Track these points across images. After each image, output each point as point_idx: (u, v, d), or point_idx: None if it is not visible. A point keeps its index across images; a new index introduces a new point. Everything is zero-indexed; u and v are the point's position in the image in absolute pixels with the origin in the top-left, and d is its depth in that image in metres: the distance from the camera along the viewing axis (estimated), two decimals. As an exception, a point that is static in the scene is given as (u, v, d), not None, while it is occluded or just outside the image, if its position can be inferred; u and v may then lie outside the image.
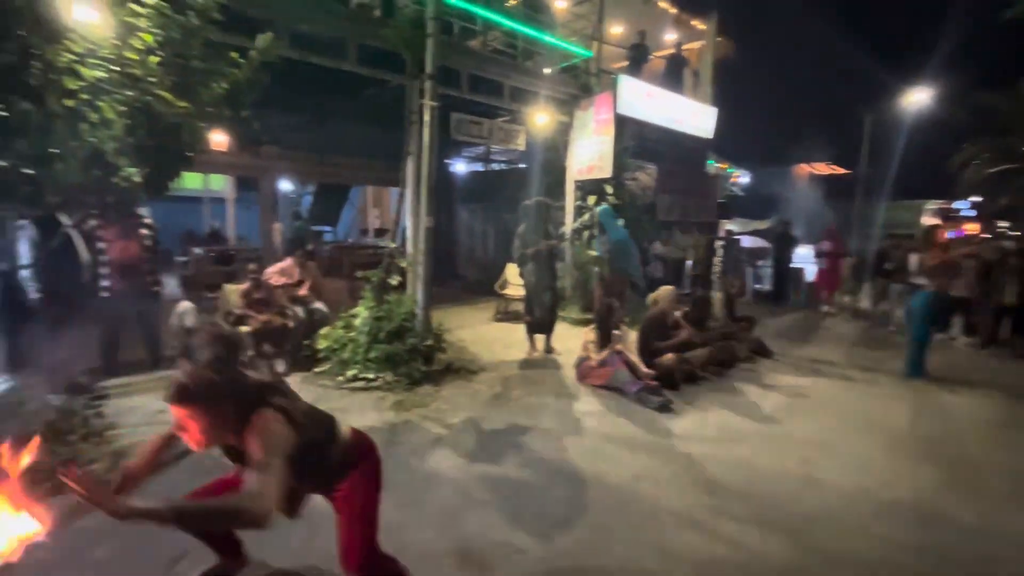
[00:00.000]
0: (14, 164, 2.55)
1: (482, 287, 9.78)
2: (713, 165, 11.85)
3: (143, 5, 2.99)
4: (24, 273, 4.05)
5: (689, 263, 9.54)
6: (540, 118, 7.53)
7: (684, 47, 10.31)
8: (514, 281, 7.48)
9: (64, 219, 3.72)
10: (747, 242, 11.24)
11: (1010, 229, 16.79)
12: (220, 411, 1.51)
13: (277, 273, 5.41)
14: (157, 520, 1.29)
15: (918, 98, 17.20)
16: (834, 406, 4.45)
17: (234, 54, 3.45)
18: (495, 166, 13.20)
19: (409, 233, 5.59)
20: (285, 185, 15.35)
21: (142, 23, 3.01)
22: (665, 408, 4.08)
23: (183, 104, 3.17)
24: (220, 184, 13.53)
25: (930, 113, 17.43)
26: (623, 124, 7.86)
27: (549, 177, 8.78)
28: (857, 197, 16.53)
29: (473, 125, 6.66)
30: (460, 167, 13.59)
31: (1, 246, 3.53)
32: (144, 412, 3.79)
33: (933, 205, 19.05)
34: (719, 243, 8.90)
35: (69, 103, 2.74)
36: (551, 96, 7.80)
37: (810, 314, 8.96)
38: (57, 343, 4.81)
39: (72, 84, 2.74)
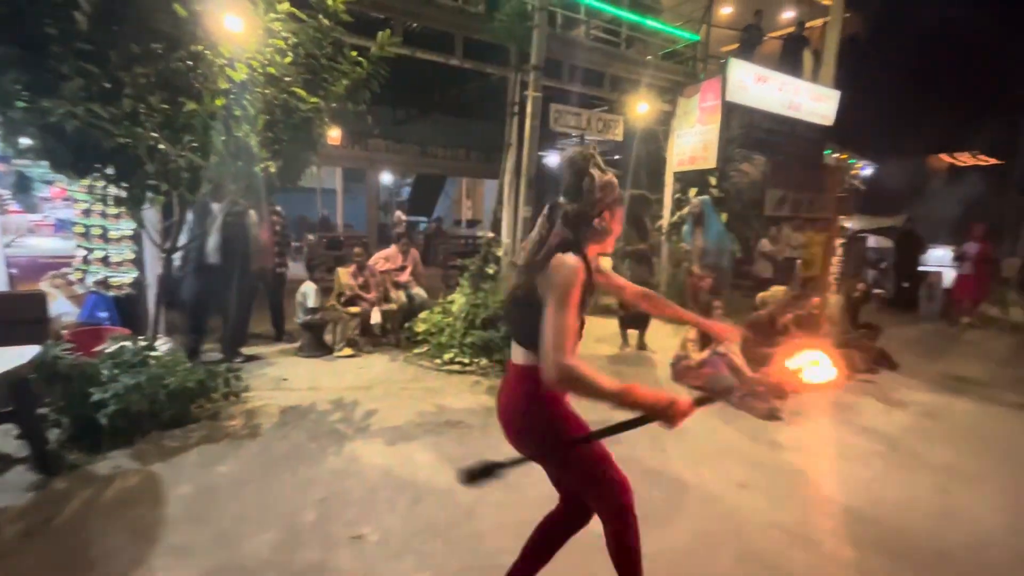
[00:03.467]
0: (184, 155, 2.93)
1: (572, 279, 9.72)
2: (832, 155, 10.74)
3: (279, 12, 3.31)
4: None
5: (799, 262, 8.75)
6: (641, 107, 7.28)
7: (806, 26, 9.41)
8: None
9: (214, 206, 4.23)
10: (871, 242, 10.10)
11: None
12: None
13: (383, 259, 5.77)
14: None
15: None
16: (976, 431, 3.88)
17: (353, 52, 3.70)
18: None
19: (506, 223, 5.70)
20: (386, 177, 16.36)
21: (278, 27, 3.33)
22: (772, 417, 3.81)
23: (314, 100, 3.47)
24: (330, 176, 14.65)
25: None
26: (731, 112, 7.38)
27: (647, 168, 8.49)
28: (1013, 192, 14.17)
29: (572, 116, 6.59)
30: (554, 159, 13.58)
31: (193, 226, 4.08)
32: (271, 379, 4.24)
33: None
34: (839, 241, 8.06)
35: (221, 102, 3.11)
36: (653, 84, 7.51)
37: (946, 326, 7.87)
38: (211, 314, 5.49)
39: (223, 84, 3.11)
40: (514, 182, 5.22)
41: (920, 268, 9.27)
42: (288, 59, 3.42)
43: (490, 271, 5.06)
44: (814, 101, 8.49)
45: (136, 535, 2.21)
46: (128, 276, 4.48)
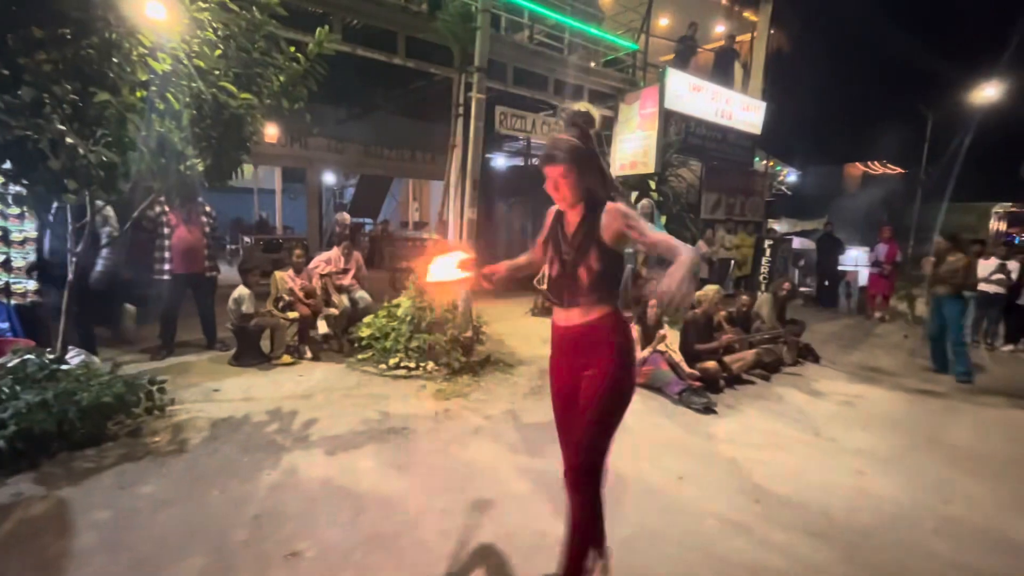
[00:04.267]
0: (96, 151, 2.70)
1: (519, 281, 9.80)
2: (761, 162, 11.44)
3: (209, 0, 3.13)
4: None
5: (733, 263, 9.26)
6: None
7: (736, 39, 9.98)
8: (552, 276, 7.46)
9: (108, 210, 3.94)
10: (796, 243, 10.84)
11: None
12: (587, 180, 1.73)
13: (324, 262, 5.57)
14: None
15: (986, 94, 16.08)
16: (888, 417, 4.24)
17: (291, 48, 3.56)
18: (535, 160, 13.17)
19: (452, 226, 5.65)
20: (328, 177, 15.84)
21: (206, 17, 3.14)
22: (708, 410, 3.99)
23: (245, 95, 3.29)
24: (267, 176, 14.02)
25: (1001, 109, 16.24)
26: (668, 119, 7.70)
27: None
28: (917, 198, 15.63)
29: (517, 119, 6.65)
30: (500, 161, 13.63)
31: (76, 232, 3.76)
32: (201, 390, 3.98)
33: (1001, 208, 17.77)
34: (768, 243, 8.60)
35: (141, 94, 2.90)
36: (595, 90, 7.71)
37: (862, 320, 8.57)
38: (122, 323, 5.12)
39: (143, 76, 2.89)
40: (460, 184, 5.19)
41: (839, 268, 10.03)
42: (218, 52, 3.24)
43: (436, 273, 4.99)
44: (744, 111, 9.02)
45: (40, 570, 2.01)
46: (32, 282, 4.08)
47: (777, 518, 2.60)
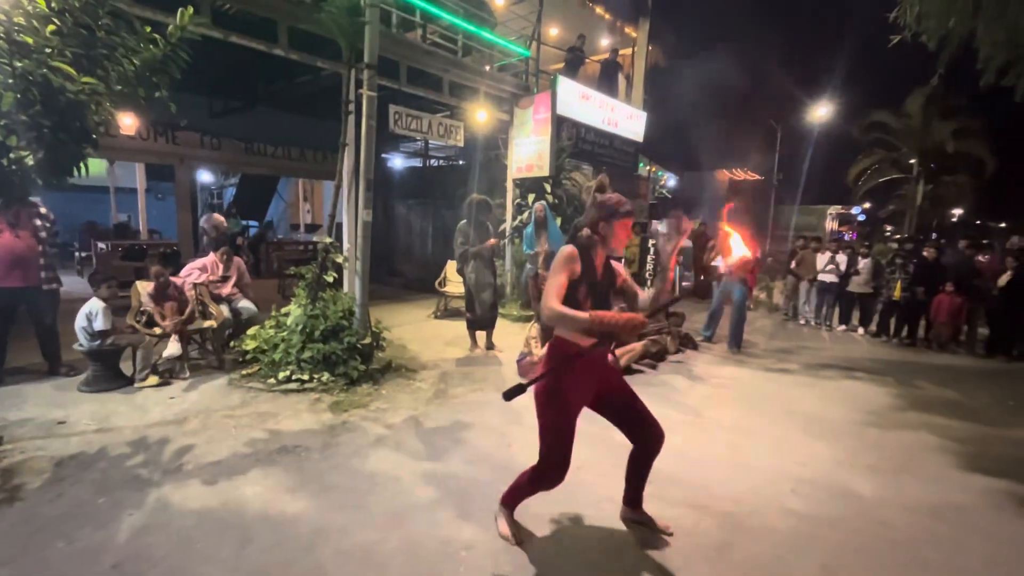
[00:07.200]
0: None
1: (421, 284, 9.63)
2: (643, 167, 12.37)
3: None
4: None
5: (624, 261, 9.89)
6: (480, 115, 7.52)
7: (619, 52, 10.68)
8: (454, 278, 7.42)
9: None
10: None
11: (894, 232, 18.88)
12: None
13: (199, 269, 5.02)
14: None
15: (822, 112, 18.89)
16: (755, 394, 4.80)
17: (147, 28, 3.15)
18: (433, 162, 13.02)
19: (346, 228, 5.39)
20: (205, 176, 14.31)
21: (35, -15, 2.68)
22: (604, 401, 4.21)
23: (88, 80, 2.85)
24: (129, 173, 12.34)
25: (833, 126, 19.20)
26: (560, 124, 8.03)
27: (488, 175, 8.80)
28: (771, 201, 17.87)
29: (412, 119, 6.50)
30: (398, 162, 13.28)
31: None
32: (40, 424, 3.38)
33: (834, 210, 21.03)
34: (652, 242, 9.30)
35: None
36: (491, 93, 7.81)
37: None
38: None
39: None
40: (353, 184, 4.95)
41: (713, 264, 11.16)
42: (51, 28, 2.76)
43: (329, 279, 4.72)
44: (628, 119, 9.69)
45: None
46: None
47: (666, 496, 2.82)
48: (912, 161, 17.81)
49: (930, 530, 2.63)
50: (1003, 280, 6.53)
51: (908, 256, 7.42)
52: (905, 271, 7.25)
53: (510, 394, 1.97)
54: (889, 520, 2.71)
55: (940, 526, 2.67)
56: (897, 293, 7.27)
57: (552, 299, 1.95)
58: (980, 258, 7.57)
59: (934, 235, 17.32)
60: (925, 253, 7.31)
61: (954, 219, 22.56)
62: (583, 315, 1.88)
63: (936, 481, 3.19)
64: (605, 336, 1.92)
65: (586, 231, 2.13)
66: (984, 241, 10.47)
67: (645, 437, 2.34)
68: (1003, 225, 24.23)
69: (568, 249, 2.05)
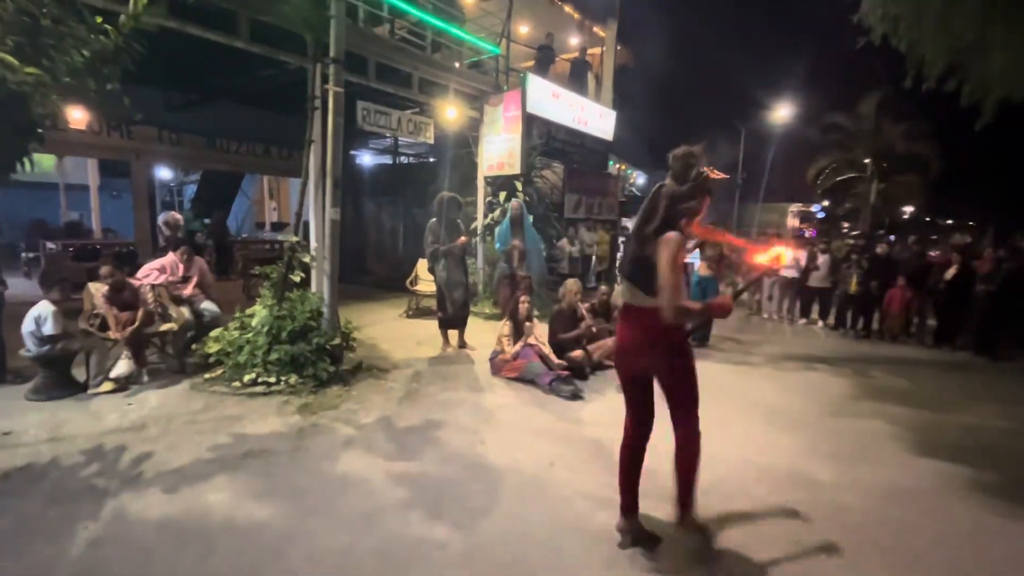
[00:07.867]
0: None
1: (391, 283, 9.51)
2: (613, 166, 12.52)
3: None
4: None
5: (595, 258, 10.02)
6: (450, 112, 7.46)
7: (588, 52, 10.77)
8: (425, 277, 7.36)
9: None
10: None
11: (851, 229, 19.70)
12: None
13: (157, 270, 4.82)
14: None
15: (783, 113, 19.52)
16: (721, 386, 4.93)
17: (98, 19, 3.00)
18: (403, 159, 12.85)
19: (313, 226, 5.28)
20: (164, 172, 13.76)
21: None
22: (576, 397, 4.26)
23: (31, 70, 2.70)
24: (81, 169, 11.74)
25: (793, 127, 19.86)
26: (531, 122, 8.04)
27: (459, 172, 8.75)
28: (736, 199, 18.37)
29: (381, 115, 6.40)
30: (367, 159, 13.06)
31: None
32: (-17, 435, 3.19)
33: (794, 208, 21.81)
34: (622, 240, 9.47)
35: None
36: (461, 90, 7.76)
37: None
38: None
39: None
40: (320, 182, 4.85)
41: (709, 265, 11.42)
42: (-12, 12, 2.60)
43: (296, 278, 4.61)
44: (598, 118, 9.79)
45: None
46: None
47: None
48: (867, 161, 18.64)
49: (884, 513, 2.76)
50: (948, 274, 6.90)
51: (863, 252, 7.75)
52: (860, 266, 7.58)
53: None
54: (846, 504, 2.83)
55: (894, 509, 2.80)
56: (853, 287, 7.59)
57: (679, 297, 1.97)
58: (930, 253, 7.98)
59: (881, 231, 18.14)
60: (878, 249, 7.66)
61: (906, 216, 23.72)
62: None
63: (890, 466, 3.35)
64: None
65: (695, 202, 2.13)
66: (932, 237, 11.05)
67: (646, 424, 2.61)
68: (950, 222, 25.60)
69: (677, 237, 1.99)
